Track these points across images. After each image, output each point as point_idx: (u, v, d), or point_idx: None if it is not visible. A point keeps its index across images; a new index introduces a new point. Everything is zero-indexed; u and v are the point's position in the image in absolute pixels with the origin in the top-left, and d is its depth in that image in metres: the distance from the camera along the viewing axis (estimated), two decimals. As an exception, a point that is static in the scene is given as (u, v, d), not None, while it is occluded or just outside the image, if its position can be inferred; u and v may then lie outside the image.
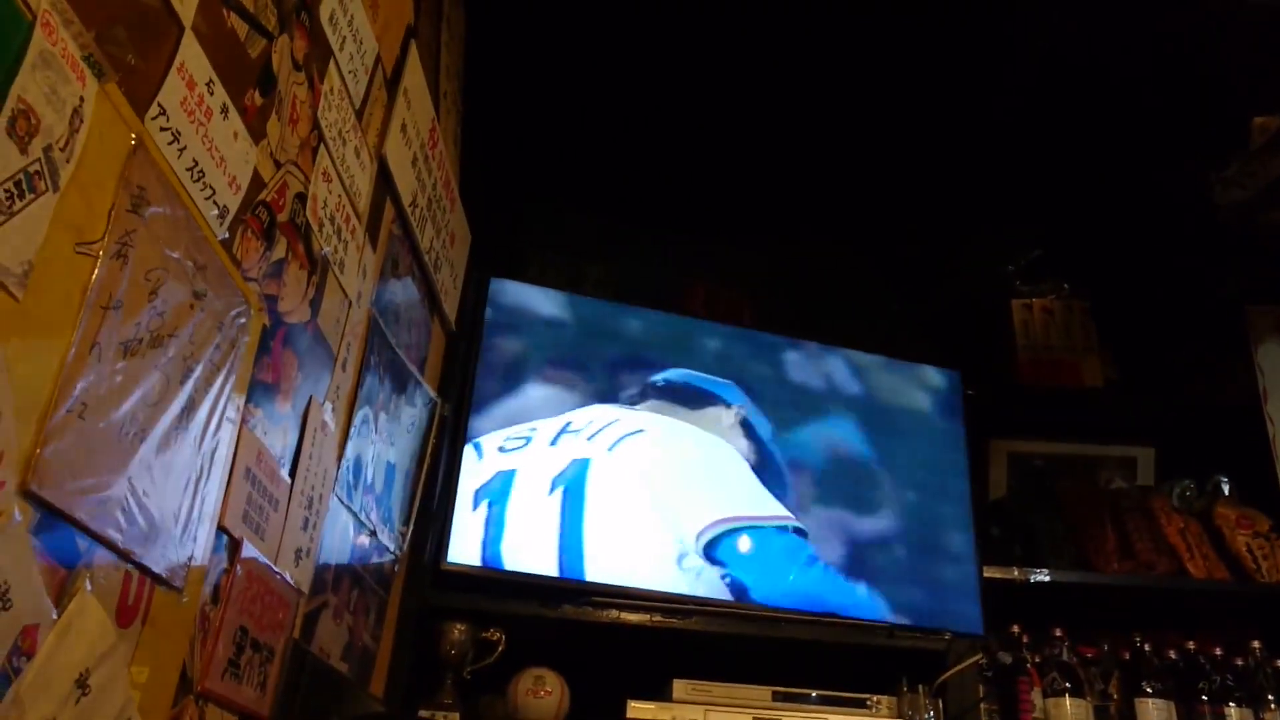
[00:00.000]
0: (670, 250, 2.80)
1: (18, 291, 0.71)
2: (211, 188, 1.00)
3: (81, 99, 0.77)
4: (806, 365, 2.43)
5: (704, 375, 2.34)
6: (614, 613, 2.07)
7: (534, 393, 2.19)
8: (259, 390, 1.16)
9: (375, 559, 1.74)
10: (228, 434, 1.07)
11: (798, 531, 2.22)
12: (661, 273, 2.76)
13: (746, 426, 2.30)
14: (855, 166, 2.63)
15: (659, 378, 2.29)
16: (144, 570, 0.91)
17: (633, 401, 2.25)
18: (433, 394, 2.02)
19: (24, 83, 0.71)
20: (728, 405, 2.31)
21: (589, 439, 2.15)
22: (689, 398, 2.30)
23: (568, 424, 2.17)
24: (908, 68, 2.34)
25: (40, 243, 0.73)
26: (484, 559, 2.00)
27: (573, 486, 2.08)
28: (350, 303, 1.47)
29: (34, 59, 0.72)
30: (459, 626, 2.01)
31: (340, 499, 1.50)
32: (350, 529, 1.58)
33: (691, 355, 2.35)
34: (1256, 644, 2.33)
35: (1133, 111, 2.38)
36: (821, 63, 2.35)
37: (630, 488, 2.13)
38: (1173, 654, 2.36)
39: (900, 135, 2.53)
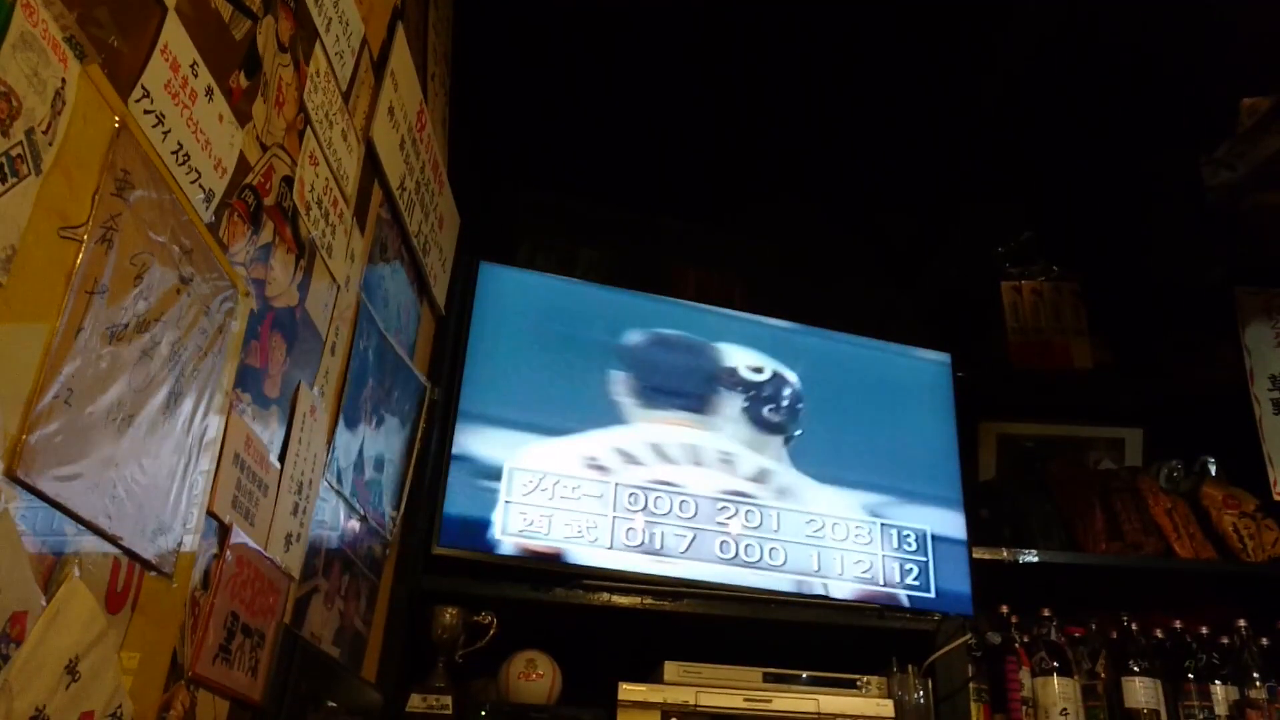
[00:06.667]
0: (661, 234, 2.80)
1: (1, 276, 0.70)
2: (197, 171, 0.99)
3: (64, 81, 0.76)
4: (796, 348, 2.43)
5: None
6: (605, 595, 2.07)
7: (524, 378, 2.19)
8: (247, 375, 1.16)
9: (366, 543, 1.74)
10: (216, 419, 1.06)
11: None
12: (653, 256, 2.76)
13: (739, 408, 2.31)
14: (848, 151, 2.63)
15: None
16: (133, 556, 0.91)
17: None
18: (422, 378, 2.02)
19: (4, 64, 0.70)
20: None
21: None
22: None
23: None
24: (897, 51, 2.33)
25: (23, 227, 0.72)
26: (475, 543, 2.01)
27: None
28: (338, 287, 1.46)
29: (14, 40, 0.71)
30: (450, 610, 2.01)
31: (330, 484, 1.50)
32: (341, 514, 1.58)
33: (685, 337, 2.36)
34: (1242, 622, 2.36)
35: (1122, 93, 2.38)
36: (812, 47, 2.34)
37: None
38: (1159, 633, 2.38)
39: (891, 119, 2.53)
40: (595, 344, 2.28)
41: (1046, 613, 2.32)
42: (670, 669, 2.05)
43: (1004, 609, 2.33)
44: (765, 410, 2.33)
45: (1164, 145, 2.49)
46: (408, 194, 1.80)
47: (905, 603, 2.20)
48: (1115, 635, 2.37)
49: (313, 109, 1.31)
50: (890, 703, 2.07)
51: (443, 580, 2.01)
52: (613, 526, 2.08)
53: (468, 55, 2.27)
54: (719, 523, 2.15)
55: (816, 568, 2.18)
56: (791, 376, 2.38)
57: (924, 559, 2.26)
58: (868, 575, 2.21)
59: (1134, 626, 2.36)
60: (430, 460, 2.04)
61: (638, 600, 2.09)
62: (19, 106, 0.71)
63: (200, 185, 1.00)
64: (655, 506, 2.13)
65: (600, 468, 2.14)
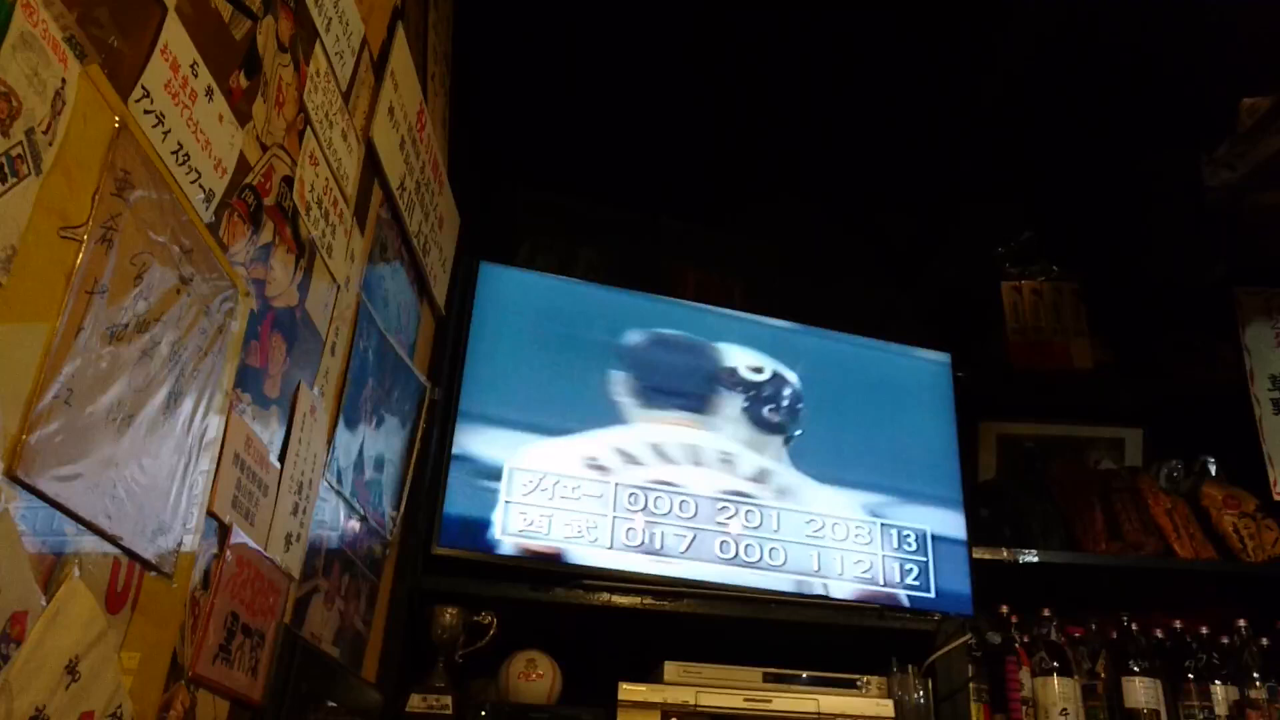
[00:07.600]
0: (661, 234, 2.80)
1: (1, 276, 0.70)
2: (197, 171, 0.99)
3: (64, 81, 0.76)
4: (796, 348, 2.43)
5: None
6: (605, 595, 2.07)
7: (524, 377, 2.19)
8: (247, 375, 1.16)
9: (366, 543, 1.73)
10: (216, 419, 1.06)
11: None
12: (653, 256, 2.76)
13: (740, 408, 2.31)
14: (848, 151, 2.63)
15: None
16: (133, 556, 0.91)
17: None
18: (422, 378, 2.02)
19: (4, 64, 0.70)
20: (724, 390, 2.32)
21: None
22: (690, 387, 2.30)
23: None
24: (897, 51, 2.33)
25: (23, 227, 0.72)
26: (475, 543, 2.01)
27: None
28: (338, 287, 1.46)
29: (14, 40, 0.70)
30: (450, 610, 2.01)
31: (330, 484, 1.50)
32: (341, 514, 1.58)
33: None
34: (1242, 622, 2.36)
35: (1122, 93, 2.38)
36: (812, 47, 2.34)
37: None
38: (1159, 633, 2.38)
39: (891, 119, 2.53)
40: (595, 344, 2.28)
41: (1046, 613, 2.32)
42: (670, 669, 2.05)
43: (1004, 609, 2.33)
44: (765, 410, 2.33)
45: (1164, 145, 2.49)
46: (408, 194, 1.80)
47: (905, 603, 2.20)
48: (1115, 635, 2.37)
49: (313, 109, 1.31)
50: (890, 703, 2.07)
51: (443, 580, 2.01)
52: (613, 526, 2.08)
53: (468, 55, 2.27)
54: (719, 523, 2.15)
55: (816, 568, 2.18)
56: (791, 376, 2.38)
57: (924, 559, 2.26)
58: (868, 575, 2.21)
59: (1134, 626, 2.36)
60: (430, 460, 2.04)
61: (638, 600, 2.09)
62: (19, 106, 0.71)
63: (200, 185, 1.00)
64: (655, 506, 2.13)
65: (600, 468, 2.14)
